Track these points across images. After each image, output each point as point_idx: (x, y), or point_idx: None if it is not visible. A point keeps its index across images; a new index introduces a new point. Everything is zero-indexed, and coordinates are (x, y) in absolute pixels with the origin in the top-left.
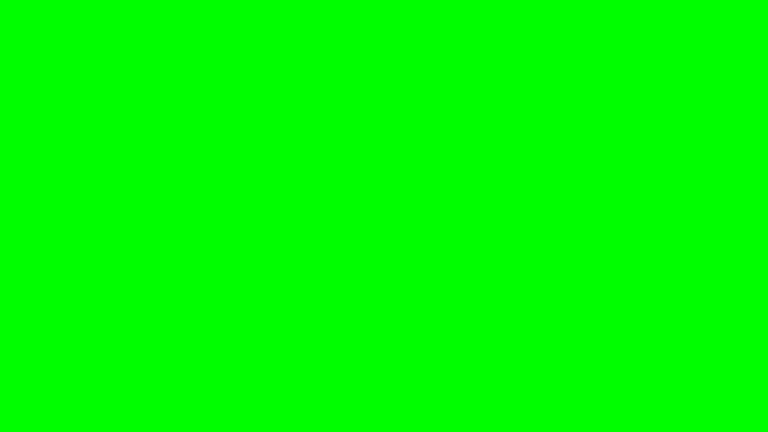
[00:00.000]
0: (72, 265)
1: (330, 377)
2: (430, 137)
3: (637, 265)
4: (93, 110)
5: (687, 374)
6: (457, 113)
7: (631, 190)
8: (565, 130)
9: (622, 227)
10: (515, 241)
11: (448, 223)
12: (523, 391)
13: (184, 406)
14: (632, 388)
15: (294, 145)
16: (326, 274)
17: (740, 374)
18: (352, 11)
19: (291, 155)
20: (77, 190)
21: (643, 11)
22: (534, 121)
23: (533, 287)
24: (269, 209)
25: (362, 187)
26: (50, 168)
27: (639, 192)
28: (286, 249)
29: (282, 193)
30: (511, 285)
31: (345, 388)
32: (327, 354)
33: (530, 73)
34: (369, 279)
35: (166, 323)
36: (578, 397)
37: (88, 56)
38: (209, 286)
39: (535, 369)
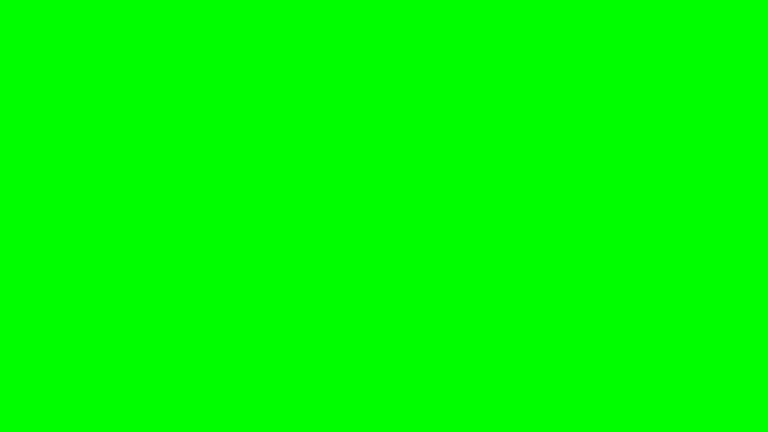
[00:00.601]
0: (72, 265)
1: (329, 377)
2: (429, 137)
3: (637, 265)
4: (93, 110)
5: (687, 374)
6: (457, 113)
7: (631, 190)
8: (565, 130)
9: (622, 227)
10: (515, 240)
11: (448, 223)
12: (522, 391)
13: (184, 406)
14: (632, 388)
15: (294, 145)
16: (326, 274)
17: (740, 374)
18: (352, 11)
19: (291, 155)
20: (77, 190)
21: (643, 11)
22: (534, 122)
23: (533, 287)
24: (269, 209)
25: (362, 187)
26: (50, 168)
27: (639, 192)
28: (285, 249)
29: (282, 193)
30: (511, 285)
31: (345, 388)
32: (327, 354)
33: (530, 73)
34: (368, 279)
35: (165, 323)
36: (578, 397)
37: (89, 56)
38: (209, 286)
39: (535, 369)
